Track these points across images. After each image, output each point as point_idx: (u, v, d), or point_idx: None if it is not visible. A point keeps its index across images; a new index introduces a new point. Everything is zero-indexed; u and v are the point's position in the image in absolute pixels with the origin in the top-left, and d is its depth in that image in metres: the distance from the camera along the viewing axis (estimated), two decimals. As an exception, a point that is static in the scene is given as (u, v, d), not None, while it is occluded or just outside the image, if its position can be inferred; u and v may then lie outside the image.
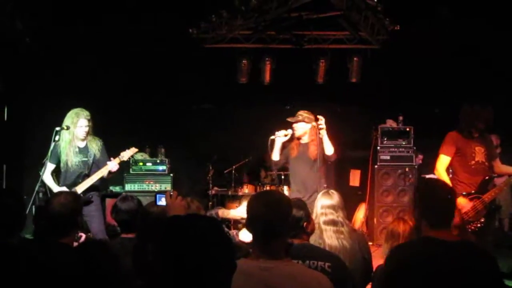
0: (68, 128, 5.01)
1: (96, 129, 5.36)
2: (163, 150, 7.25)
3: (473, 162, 4.65)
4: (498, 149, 6.31)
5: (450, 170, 5.00)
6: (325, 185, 5.17)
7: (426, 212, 2.43)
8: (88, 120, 5.11)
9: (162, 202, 2.65)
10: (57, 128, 4.96)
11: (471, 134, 4.69)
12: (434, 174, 4.93)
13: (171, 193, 2.58)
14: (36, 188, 4.79)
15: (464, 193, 4.68)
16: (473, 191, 4.63)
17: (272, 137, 5.27)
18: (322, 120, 5.06)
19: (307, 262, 2.75)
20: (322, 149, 5.16)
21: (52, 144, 4.95)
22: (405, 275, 2.25)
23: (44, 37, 6.20)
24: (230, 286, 1.56)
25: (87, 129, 5.09)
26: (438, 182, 2.75)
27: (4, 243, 2.48)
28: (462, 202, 4.45)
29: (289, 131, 5.29)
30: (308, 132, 5.30)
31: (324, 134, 5.10)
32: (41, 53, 6.34)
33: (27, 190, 5.84)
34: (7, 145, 6.35)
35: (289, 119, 5.37)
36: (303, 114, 5.32)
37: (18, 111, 6.56)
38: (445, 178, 4.69)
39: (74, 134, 5.06)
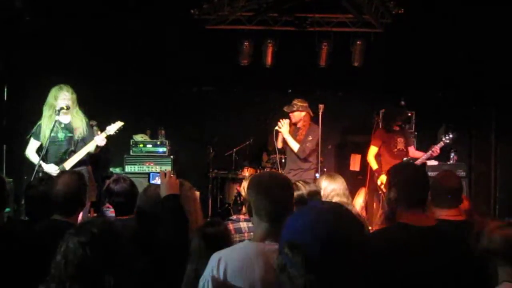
0: (65, 108, 4.94)
1: (96, 111, 5.30)
2: (163, 132, 7.22)
3: (395, 149, 6.38)
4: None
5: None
6: (314, 165, 6.03)
7: (402, 193, 2.41)
8: (71, 93, 5.02)
9: (156, 181, 2.64)
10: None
11: (392, 129, 6.38)
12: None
13: (166, 172, 2.56)
14: (36, 168, 4.76)
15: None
16: None
17: (277, 128, 6.00)
18: (282, 122, 5.94)
19: None
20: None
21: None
22: (380, 261, 2.25)
23: (44, 15, 6.12)
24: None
25: (69, 102, 4.99)
26: (413, 165, 2.81)
27: None
28: (383, 180, 5.49)
29: (287, 121, 6.03)
30: (302, 118, 6.04)
31: (285, 135, 5.96)
32: (41, 31, 6.27)
33: (27, 171, 5.83)
34: (7, 125, 6.32)
35: (285, 109, 6.07)
36: (297, 103, 6.02)
37: (18, 91, 6.51)
38: (373, 163, 6.42)
39: (56, 108, 4.95)
